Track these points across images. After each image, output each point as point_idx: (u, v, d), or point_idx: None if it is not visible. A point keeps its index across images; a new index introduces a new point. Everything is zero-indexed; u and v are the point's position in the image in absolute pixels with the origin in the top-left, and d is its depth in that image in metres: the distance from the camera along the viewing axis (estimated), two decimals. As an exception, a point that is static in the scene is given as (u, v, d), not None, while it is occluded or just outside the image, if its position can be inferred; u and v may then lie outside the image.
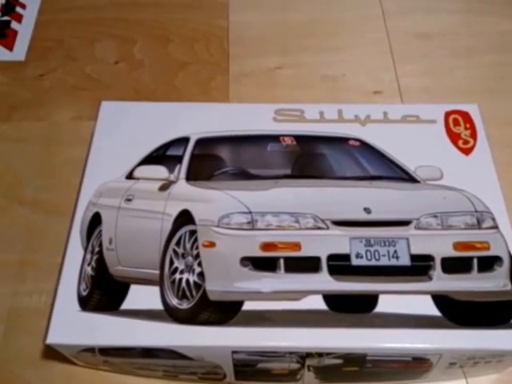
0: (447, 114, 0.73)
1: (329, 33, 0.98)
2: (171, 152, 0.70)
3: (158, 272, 0.62)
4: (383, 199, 0.64)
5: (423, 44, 0.96)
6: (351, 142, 0.70)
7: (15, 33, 0.99)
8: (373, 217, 0.61)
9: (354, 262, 0.59)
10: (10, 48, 0.98)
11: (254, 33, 0.99)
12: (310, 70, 0.94)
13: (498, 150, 0.70)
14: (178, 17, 1.01)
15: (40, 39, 0.99)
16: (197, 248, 0.61)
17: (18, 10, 1.03)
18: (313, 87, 0.92)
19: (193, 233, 0.61)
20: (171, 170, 0.67)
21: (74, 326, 0.59)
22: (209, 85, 0.92)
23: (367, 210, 0.62)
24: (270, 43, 0.97)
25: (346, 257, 0.59)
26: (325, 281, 0.59)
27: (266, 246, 0.59)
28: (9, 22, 1.01)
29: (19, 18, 1.01)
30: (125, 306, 0.61)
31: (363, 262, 0.59)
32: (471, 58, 0.94)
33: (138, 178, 0.68)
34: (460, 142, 0.70)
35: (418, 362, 0.61)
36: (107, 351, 0.60)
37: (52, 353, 0.63)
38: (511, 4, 1.01)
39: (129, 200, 0.67)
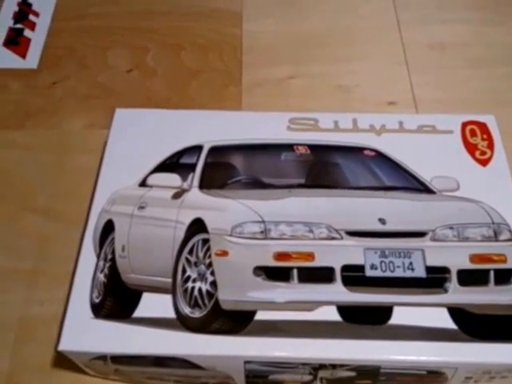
0: (464, 125, 0.72)
1: (342, 43, 0.98)
2: (184, 160, 0.70)
3: (170, 280, 0.62)
4: (398, 210, 0.63)
5: (438, 55, 0.96)
6: (366, 152, 0.70)
7: (28, 40, 1.00)
8: (388, 227, 0.61)
9: (369, 273, 0.59)
10: (23, 56, 0.98)
11: (268, 42, 0.98)
12: (323, 81, 0.93)
13: (514, 162, 0.70)
14: (191, 25, 1.01)
15: (53, 47, 0.99)
16: (209, 257, 0.60)
17: (31, 17, 1.03)
18: (326, 97, 0.91)
19: (206, 241, 0.61)
20: (184, 178, 0.67)
21: (86, 333, 0.59)
22: (222, 93, 0.92)
23: (382, 221, 0.61)
24: (283, 52, 0.97)
25: (361, 268, 0.59)
26: (339, 292, 0.58)
27: (280, 256, 0.59)
28: (22, 30, 1.01)
29: (32, 26, 1.02)
30: (137, 313, 0.61)
31: (378, 273, 0.59)
32: (486, 69, 0.94)
33: (151, 186, 0.67)
34: (477, 153, 0.70)
35: (433, 376, 0.60)
36: (119, 359, 0.60)
37: (62, 361, 0.63)
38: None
39: (142, 208, 0.67)
